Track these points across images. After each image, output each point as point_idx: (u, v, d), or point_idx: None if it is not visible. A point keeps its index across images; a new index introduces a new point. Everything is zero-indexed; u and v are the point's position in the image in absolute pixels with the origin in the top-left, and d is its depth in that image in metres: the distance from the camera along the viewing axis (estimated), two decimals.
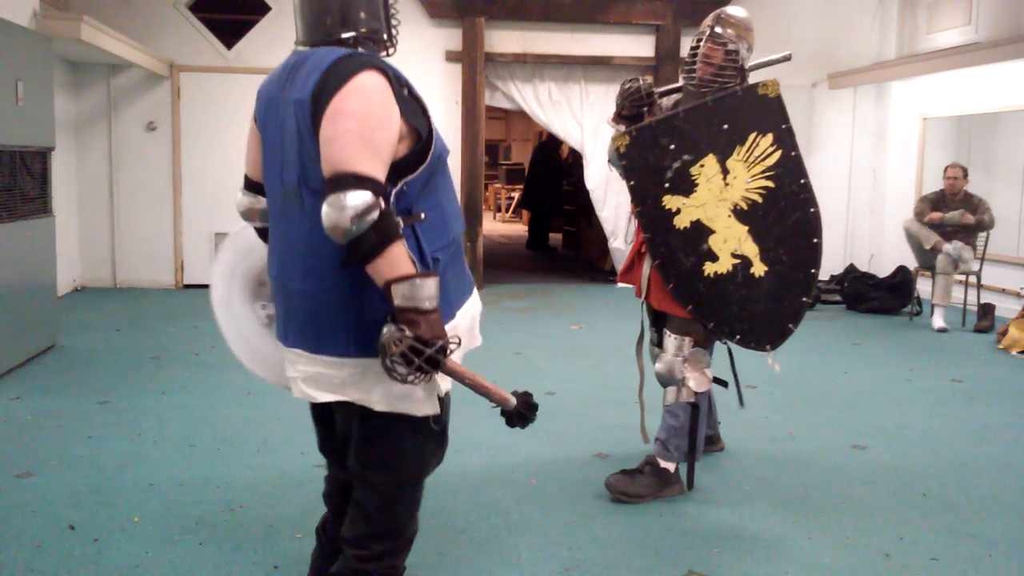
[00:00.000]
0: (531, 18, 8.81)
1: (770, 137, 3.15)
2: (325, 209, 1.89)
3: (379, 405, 2.10)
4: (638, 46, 9.08)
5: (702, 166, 3.16)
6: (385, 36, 2.15)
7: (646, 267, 3.43)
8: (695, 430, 3.36)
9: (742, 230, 3.18)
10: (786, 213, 3.19)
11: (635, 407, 3.66)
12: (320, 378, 2.13)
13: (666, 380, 3.36)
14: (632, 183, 3.22)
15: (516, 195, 16.68)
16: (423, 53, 8.81)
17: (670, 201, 3.18)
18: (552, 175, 12.88)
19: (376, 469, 2.20)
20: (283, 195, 2.11)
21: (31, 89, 5.37)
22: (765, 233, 3.18)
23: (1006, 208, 7.71)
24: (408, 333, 1.91)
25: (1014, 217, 7.59)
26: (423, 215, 2.07)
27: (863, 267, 9.05)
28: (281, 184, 2.11)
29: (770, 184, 3.17)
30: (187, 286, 8.62)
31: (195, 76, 8.59)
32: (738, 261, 3.19)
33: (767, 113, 3.17)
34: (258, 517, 3.13)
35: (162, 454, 3.78)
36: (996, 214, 7.17)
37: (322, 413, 2.40)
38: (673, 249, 3.20)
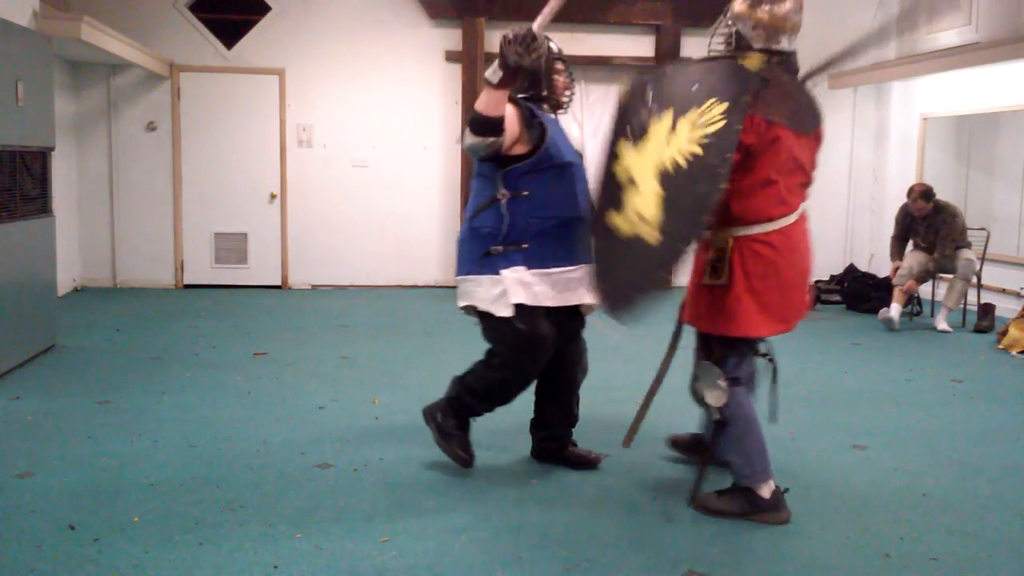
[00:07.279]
0: (531, 18, 8.67)
1: (724, 106, 2.94)
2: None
3: (482, 306, 3.44)
4: (638, 46, 9.08)
5: (660, 119, 3.02)
6: (548, 96, 3.56)
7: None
8: (716, 445, 3.27)
9: (659, 194, 2.95)
10: (696, 183, 2.92)
11: (635, 407, 3.65)
12: (458, 291, 3.55)
13: (698, 403, 3.31)
14: (609, 127, 3.18)
15: None
16: (423, 53, 8.82)
17: (620, 145, 3.10)
18: None
19: (489, 343, 3.53)
20: None
21: (31, 89, 5.38)
22: (673, 204, 2.93)
23: (1006, 208, 7.71)
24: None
25: (1014, 217, 7.59)
26: (525, 192, 3.34)
27: (863, 267, 9.05)
28: None
29: (698, 151, 2.92)
30: (187, 286, 8.60)
31: (195, 76, 8.60)
32: (637, 221, 2.99)
33: (736, 81, 3.00)
34: (258, 517, 3.13)
35: (162, 454, 3.79)
36: (996, 214, 7.15)
37: None
38: (602, 189, 3.13)
